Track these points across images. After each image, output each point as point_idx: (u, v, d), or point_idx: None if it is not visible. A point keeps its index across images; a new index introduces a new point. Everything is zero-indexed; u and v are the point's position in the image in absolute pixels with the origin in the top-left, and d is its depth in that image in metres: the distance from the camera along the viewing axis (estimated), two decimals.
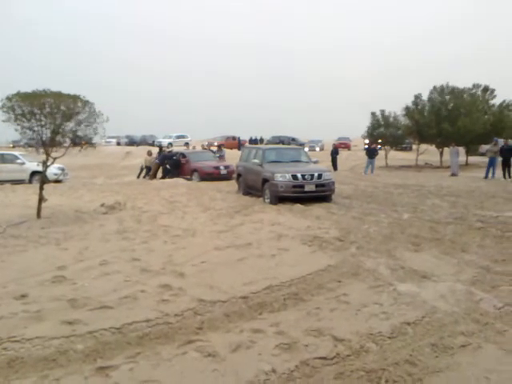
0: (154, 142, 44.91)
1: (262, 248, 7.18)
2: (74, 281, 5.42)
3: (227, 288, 5.16)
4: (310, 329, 4.04)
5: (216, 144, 36.39)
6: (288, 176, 12.12)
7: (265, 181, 12.64)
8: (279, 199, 12.07)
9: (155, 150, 24.28)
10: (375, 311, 4.46)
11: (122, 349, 3.68)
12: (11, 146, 42.88)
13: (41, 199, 9.45)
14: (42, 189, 9.42)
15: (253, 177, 13.76)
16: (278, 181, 12.07)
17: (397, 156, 35.91)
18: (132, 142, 49.45)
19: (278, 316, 4.39)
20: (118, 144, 48.87)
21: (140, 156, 25.86)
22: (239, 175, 15.30)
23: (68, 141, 9.56)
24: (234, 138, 47.76)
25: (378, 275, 5.64)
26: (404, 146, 40.01)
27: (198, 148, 29.69)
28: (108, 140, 44.97)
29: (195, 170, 19.44)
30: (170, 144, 36.19)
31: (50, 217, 9.67)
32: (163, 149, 24.44)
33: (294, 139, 49.39)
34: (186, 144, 34.01)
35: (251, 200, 13.05)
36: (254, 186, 13.70)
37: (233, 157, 24.52)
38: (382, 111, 30.84)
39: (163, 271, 5.88)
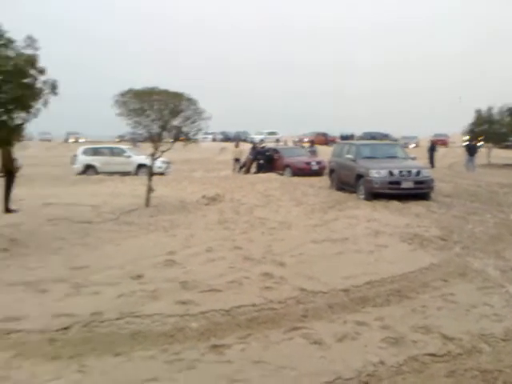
0: (246, 138, 45.97)
1: (359, 243, 7.14)
2: (184, 265, 5.82)
3: (327, 280, 5.22)
4: (417, 326, 3.98)
5: (306, 140, 36.45)
6: (384, 172, 11.83)
7: (359, 177, 12.47)
8: (374, 195, 11.82)
9: (247, 146, 24.81)
10: (486, 312, 4.28)
11: (233, 330, 3.91)
12: (117, 140, 46.34)
13: (149, 189, 10.21)
14: (150, 180, 10.17)
15: (346, 172, 13.61)
16: (373, 177, 11.84)
17: (500, 154, 33.27)
18: (226, 138, 51.04)
19: (382, 311, 4.38)
20: (214, 140, 50.69)
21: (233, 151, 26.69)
22: (332, 171, 15.21)
23: (172, 136, 10.21)
24: (324, 135, 47.38)
25: (487, 276, 5.38)
26: (508, 143, 37.01)
27: (290, 144, 29.93)
28: (204, 136, 46.83)
29: (287, 166, 19.62)
30: (262, 140, 36.84)
31: (157, 206, 10.39)
32: (256, 145, 24.95)
33: (386, 135, 47.74)
34: (277, 140, 34.44)
35: (344, 196, 12.93)
36: (347, 181, 13.55)
37: (323, 153, 24.40)
38: (489, 108, 28.90)
39: (264, 260, 6.09)
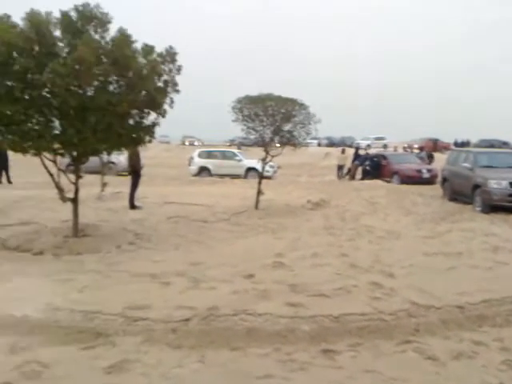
0: (352, 143, 45.19)
1: (475, 259, 6.74)
2: (291, 268, 5.96)
3: (440, 295, 5.02)
4: None
5: (416, 146, 35.04)
6: (504, 183, 11.05)
7: (476, 187, 11.74)
8: (492, 208, 11.07)
9: (350, 151, 24.46)
10: None
11: (343, 336, 3.96)
12: (228, 144, 48.50)
13: (259, 192, 10.61)
14: (260, 183, 10.58)
15: (461, 182, 12.90)
16: (491, 188, 11.10)
17: None
18: (331, 144, 50.61)
19: (501, 331, 4.14)
20: (319, 145, 50.55)
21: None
22: (445, 179, 14.51)
23: (283, 140, 10.50)
24: (434, 141, 44.90)
25: None
26: None
27: (400, 150, 28.95)
28: (310, 141, 46.96)
29: (395, 173, 18.97)
30: (369, 146, 36.04)
31: (265, 209, 10.76)
32: (358, 150, 24.51)
33: (505, 143, 43.89)
34: (385, 146, 33.47)
35: (458, 207, 12.26)
36: (461, 191, 12.83)
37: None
38: None
39: (372, 269, 6.02)
